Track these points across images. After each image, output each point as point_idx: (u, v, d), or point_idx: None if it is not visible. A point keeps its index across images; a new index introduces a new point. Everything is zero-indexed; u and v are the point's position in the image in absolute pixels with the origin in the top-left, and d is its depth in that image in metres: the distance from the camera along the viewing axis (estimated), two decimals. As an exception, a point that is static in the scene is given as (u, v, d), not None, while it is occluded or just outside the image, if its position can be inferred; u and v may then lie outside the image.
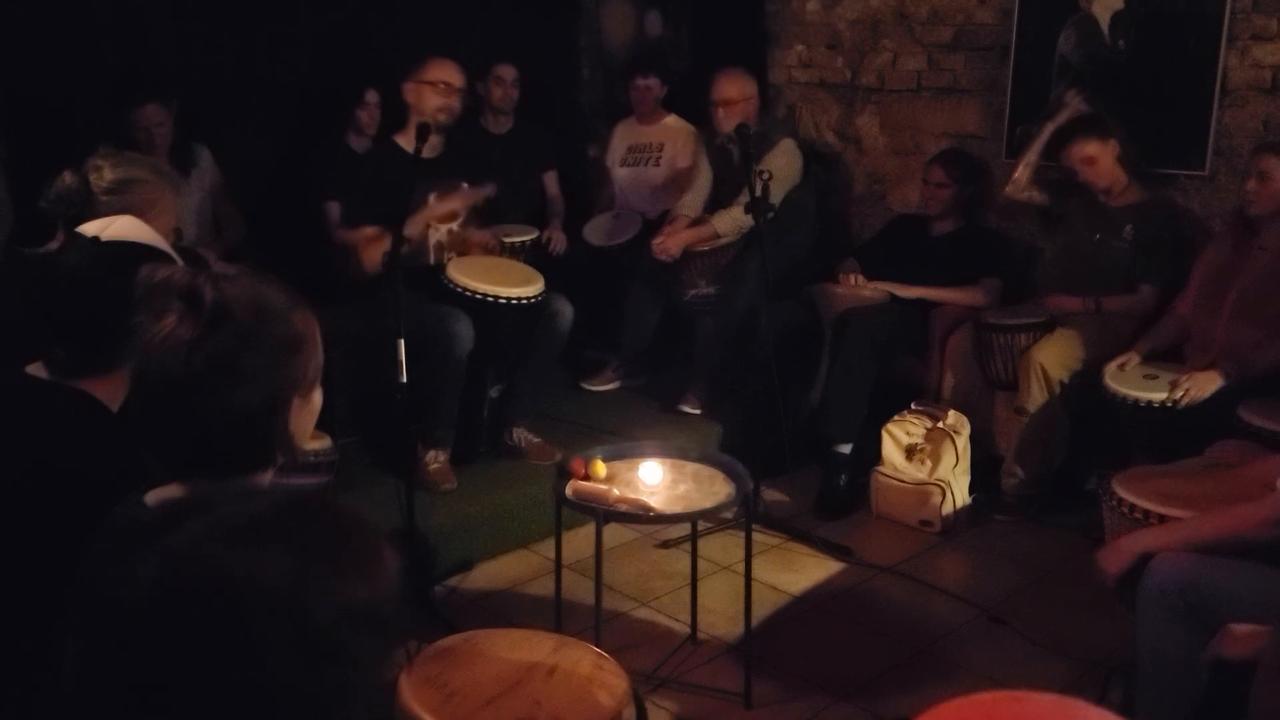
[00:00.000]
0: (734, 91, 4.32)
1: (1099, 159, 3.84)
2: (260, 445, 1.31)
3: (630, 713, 1.68)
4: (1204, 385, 3.29)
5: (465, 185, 3.89)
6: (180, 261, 1.74)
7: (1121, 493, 2.58)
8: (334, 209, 3.86)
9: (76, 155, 2.27)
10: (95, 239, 1.69)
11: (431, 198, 3.79)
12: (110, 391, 1.70)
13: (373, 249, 3.65)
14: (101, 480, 1.48)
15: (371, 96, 4.40)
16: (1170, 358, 3.56)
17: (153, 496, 1.30)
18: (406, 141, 3.68)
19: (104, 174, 2.20)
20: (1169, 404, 3.30)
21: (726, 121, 4.30)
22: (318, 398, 1.38)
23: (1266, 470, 2.35)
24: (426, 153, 3.44)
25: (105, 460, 1.60)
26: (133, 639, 0.83)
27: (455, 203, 3.85)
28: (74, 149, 2.31)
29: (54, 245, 2.29)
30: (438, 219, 3.82)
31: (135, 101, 3.90)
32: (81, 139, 3.60)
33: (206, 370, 1.24)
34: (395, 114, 3.91)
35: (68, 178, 2.21)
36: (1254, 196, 3.39)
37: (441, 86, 3.71)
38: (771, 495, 3.99)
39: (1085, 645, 3.00)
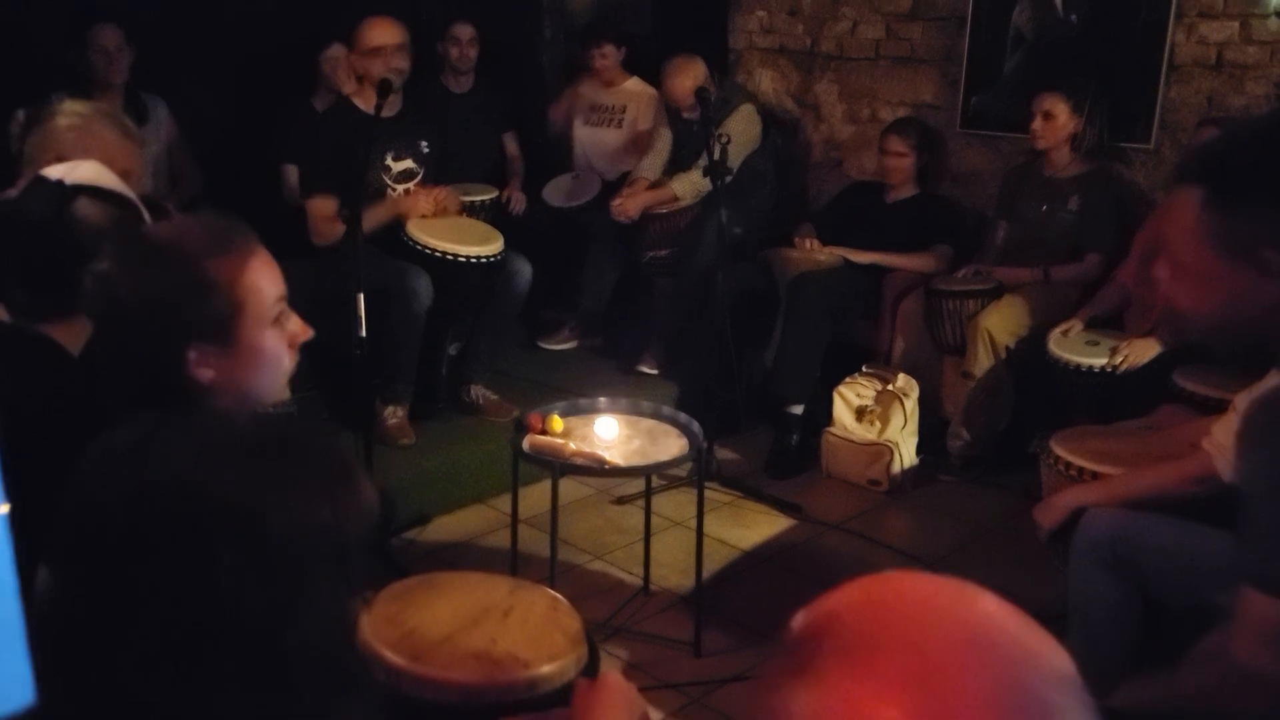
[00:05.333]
0: (682, 93, 4.33)
1: (1056, 119, 3.87)
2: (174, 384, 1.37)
3: (583, 651, 1.74)
4: (1142, 352, 3.40)
5: (424, 144, 3.88)
6: (143, 207, 1.76)
7: (1059, 451, 2.69)
8: (291, 173, 3.82)
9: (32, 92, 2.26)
10: (60, 182, 1.70)
11: (396, 189, 3.77)
12: (71, 335, 1.71)
13: (326, 227, 3.64)
14: (62, 425, 1.50)
15: (337, 51, 4.34)
16: (1112, 325, 3.66)
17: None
18: (363, 101, 3.67)
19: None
20: (1109, 369, 3.41)
21: (688, 111, 4.35)
22: (277, 345, 1.43)
23: (1193, 431, 2.46)
24: (385, 111, 3.43)
25: (65, 405, 1.62)
26: (102, 553, 0.85)
27: (424, 205, 3.77)
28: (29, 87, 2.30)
29: (12, 192, 2.28)
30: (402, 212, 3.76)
31: (94, 19, 3.82)
32: (37, 75, 3.56)
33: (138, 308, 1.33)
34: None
35: (21, 117, 2.20)
36: (1196, 170, 3.48)
37: (383, 52, 3.63)
38: (724, 453, 4.06)
39: (1023, 599, 2.99)
